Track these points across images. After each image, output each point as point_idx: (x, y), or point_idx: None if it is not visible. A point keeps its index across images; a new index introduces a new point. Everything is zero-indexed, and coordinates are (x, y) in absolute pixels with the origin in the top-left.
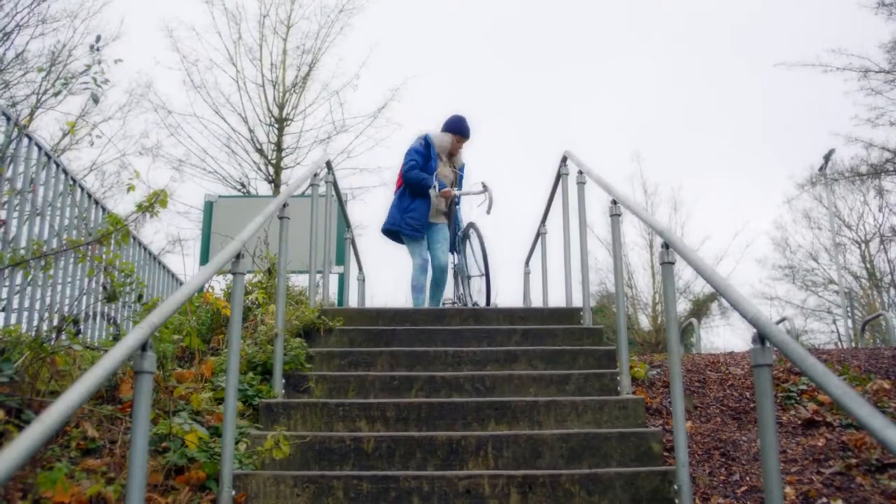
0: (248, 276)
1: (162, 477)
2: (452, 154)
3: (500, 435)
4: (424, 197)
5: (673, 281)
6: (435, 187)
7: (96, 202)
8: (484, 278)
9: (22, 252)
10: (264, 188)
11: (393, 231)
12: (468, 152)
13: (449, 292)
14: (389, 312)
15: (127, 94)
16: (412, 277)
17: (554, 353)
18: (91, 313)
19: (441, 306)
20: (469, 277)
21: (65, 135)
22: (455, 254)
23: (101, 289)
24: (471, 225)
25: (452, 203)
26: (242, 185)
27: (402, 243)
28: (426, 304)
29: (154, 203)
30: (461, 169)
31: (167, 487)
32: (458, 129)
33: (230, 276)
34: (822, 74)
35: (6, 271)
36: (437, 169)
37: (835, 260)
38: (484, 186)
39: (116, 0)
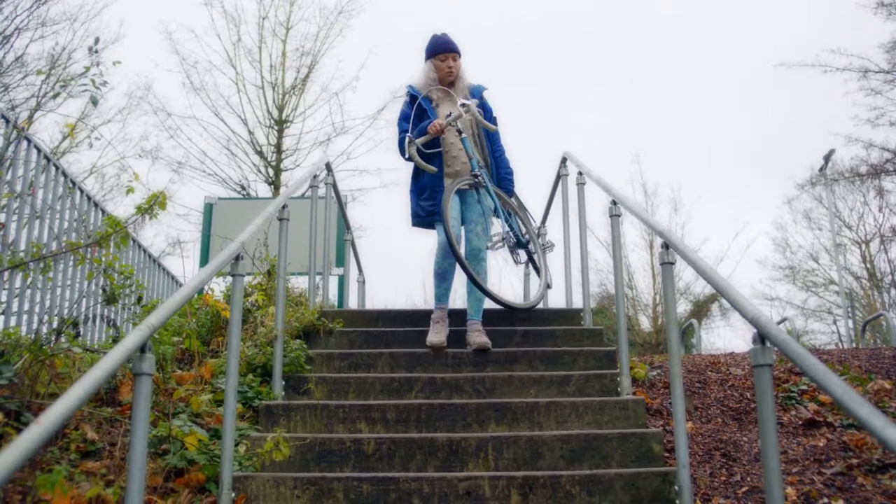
0: (247, 278)
1: (161, 479)
2: (449, 81)
3: (500, 436)
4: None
5: (673, 282)
6: (410, 140)
7: (96, 205)
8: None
9: (21, 255)
10: (264, 190)
11: (421, 224)
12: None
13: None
14: (389, 314)
15: (126, 97)
16: (434, 261)
17: (554, 354)
18: (90, 316)
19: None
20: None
21: (64, 137)
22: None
23: (100, 291)
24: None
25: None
26: (242, 187)
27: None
28: (448, 301)
29: (153, 205)
30: (477, 94)
31: (167, 490)
32: (438, 47)
33: (230, 278)
34: (822, 75)
35: (6, 274)
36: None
37: (835, 260)
38: (463, 105)
39: (116, 3)
